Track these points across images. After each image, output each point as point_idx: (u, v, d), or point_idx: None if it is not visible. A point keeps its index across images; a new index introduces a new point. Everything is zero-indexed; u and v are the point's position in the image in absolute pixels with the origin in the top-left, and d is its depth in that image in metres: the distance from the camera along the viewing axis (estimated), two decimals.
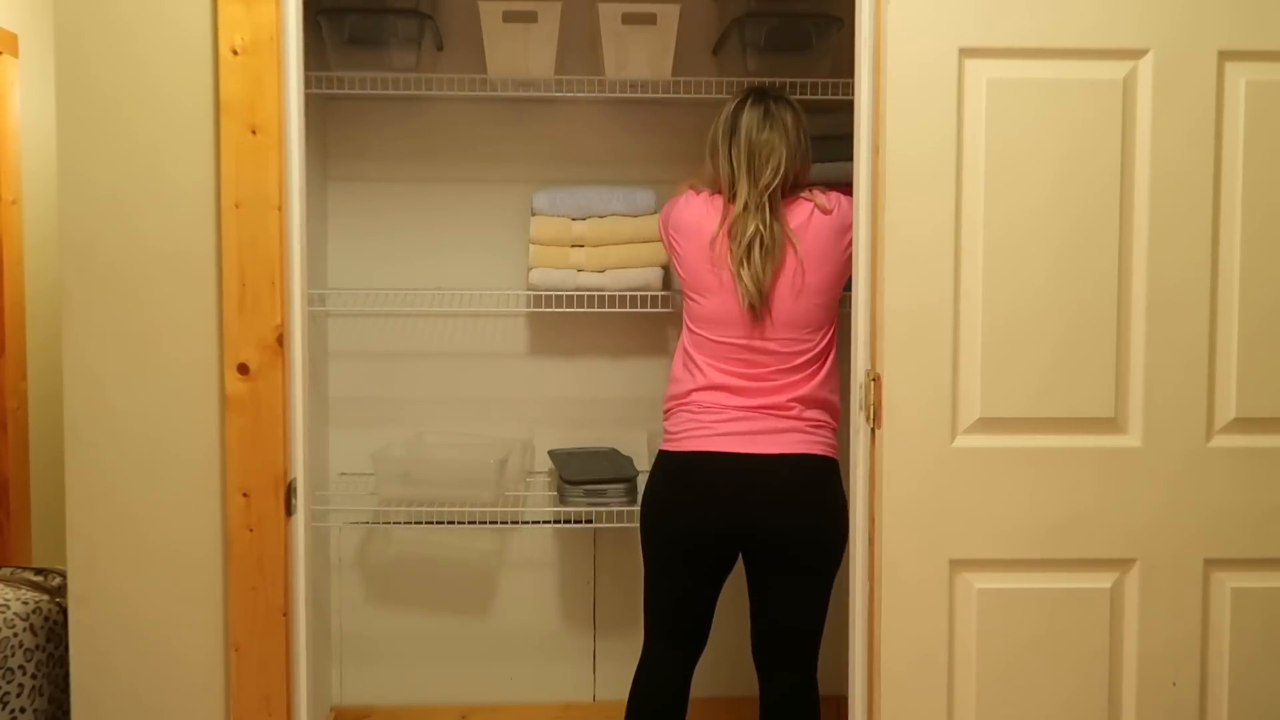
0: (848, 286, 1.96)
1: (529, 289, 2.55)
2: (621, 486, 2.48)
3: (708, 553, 2.08)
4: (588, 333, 2.70)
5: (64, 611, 2.12)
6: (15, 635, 2.03)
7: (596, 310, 2.52)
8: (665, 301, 2.52)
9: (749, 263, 2.01)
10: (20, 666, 2.03)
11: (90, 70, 1.81)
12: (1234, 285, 1.77)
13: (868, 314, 1.81)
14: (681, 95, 2.45)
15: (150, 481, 1.85)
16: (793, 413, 2.03)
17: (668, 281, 2.51)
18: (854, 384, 1.85)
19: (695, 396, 2.07)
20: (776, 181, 2.04)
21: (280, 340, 1.82)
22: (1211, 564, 1.79)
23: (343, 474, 2.71)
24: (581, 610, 2.78)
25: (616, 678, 2.71)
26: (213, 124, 1.81)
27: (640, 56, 2.44)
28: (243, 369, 1.81)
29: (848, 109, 2.31)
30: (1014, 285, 1.76)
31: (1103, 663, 1.80)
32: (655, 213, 2.51)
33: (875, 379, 1.78)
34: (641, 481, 2.39)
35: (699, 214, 2.10)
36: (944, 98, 1.74)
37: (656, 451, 2.14)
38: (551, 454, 2.64)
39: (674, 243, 2.14)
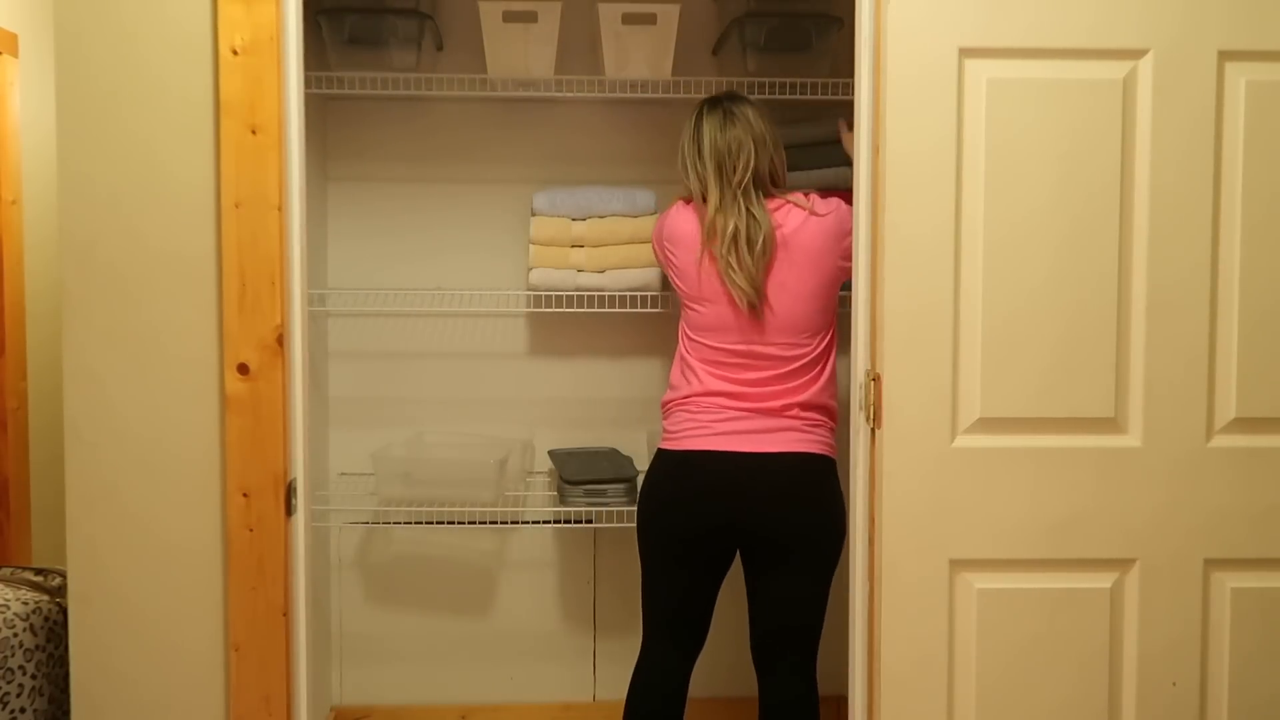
0: (846, 287, 1.96)
1: (529, 289, 2.55)
2: (621, 486, 2.48)
3: (704, 550, 2.08)
4: (587, 333, 2.70)
5: (64, 611, 2.12)
6: (15, 635, 2.03)
7: (596, 310, 2.52)
8: (665, 302, 2.52)
9: (737, 261, 2.02)
10: (20, 666, 2.03)
11: (90, 70, 1.81)
12: (1234, 285, 1.77)
13: (868, 314, 1.81)
14: (681, 95, 2.45)
15: (150, 481, 1.85)
16: (790, 413, 2.04)
17: (668, 282, 2.51)
18: (854, 384, 1.85)
19: (693, 399, 2.07)
20: (748, 176, 2.05)
21: (280, 340, 1.82)
22: (1211, 564, 1.79)
23: (343, 474, 2.71)
24: (581, 610, 2.78)
25: (616, 678, 2.71)
26: (213, 124, 1.81)
27: (640, 56, 2.44)
28: (243, 369, 1.81)
29: (837, 114, 2.34)
30: (1014, 285, 1.76)
31: (1103, 662, 1.80)
32: (655, 213, 2.51)
33: (875, 379, 1.78)
34: (640, 481, 2.39)
35: (690, 223, 2.10)
36: (944, 98, 1.74)
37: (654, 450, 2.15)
38: (551, 454, 2.64)
39: (669, 255, 2.14)
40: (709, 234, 2.06)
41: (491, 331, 2.72)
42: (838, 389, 2.13)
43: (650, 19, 2.40)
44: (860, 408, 1.82)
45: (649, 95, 2.47)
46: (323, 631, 2.67)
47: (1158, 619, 1.79)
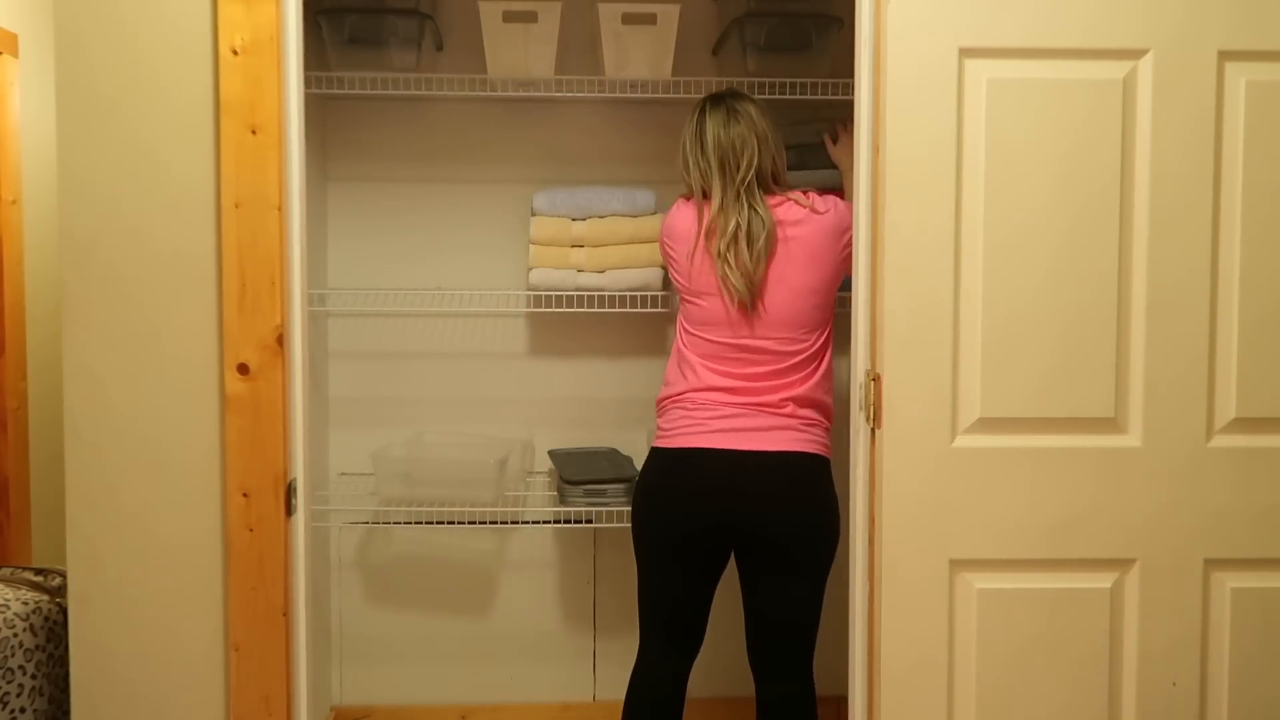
0: (845, 287, 1.96)
1: (529, 289, 2.55)
2: (621, 486, 2.48)
3: (699, 549, 2.08)
4: (587, 333, 2.70)
5: (64, 611, 2.12)
6: (15, 635, 2.03)
7: (596, 310, 2.52)
8: (665, 302, 2.52)
9: (735, 258, 2.02)
10: (20, 666, 2.03)
11: (90, 70, 1.81)
12: (1234, 285, 1.77)
13: (868, 314, 1.81)
14: (681, 95, 2.45)
15: (150, 481, 1.85)
16: (786, 411, 2.04)
17: (668, 282, 2.51)
18: (854, 384, 1.85)
19: (689, 395, 2.07)
20: (751, 174, 2.06)
21: (280, 340, 1.82)
22: (1211, 564, 1.79)
23: (343, 474, 2.71)
24: (581, 610, 2.78)
25: (616, 678, 2.71)
26: (213, 124, 1.81)
27: (640, 56, 2.44)
28: (243, 369, 1.81)
29: (838, 115, 2.34)
30: (1014, 285, 1.76)
31: (1103, 662, 1.80)
32: (655, 213, 2.51)
33: (875, 379, 1.78)
34: None
35: (690, 218, 2.11)
36: (944, 98, 1.74)
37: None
38: (551, 454, 2.64)
39: (669, 250, 2.15)
40: (709, 231, 2.06)
41: (491, 331, 2.72)
42: (834, 385, 2.13)
43: (650, 19, 2.40)
44: (860, 408, 1.82)
45: (649, 95, 2.47)
46: (323, 631, 2.67)
47: (1158, 619, 1.79)
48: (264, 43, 1.78)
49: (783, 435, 2.03)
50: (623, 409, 2.73)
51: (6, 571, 2.29)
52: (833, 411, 2.11)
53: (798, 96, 2.42)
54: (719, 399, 2.05)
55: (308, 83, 1.92)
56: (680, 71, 2.46)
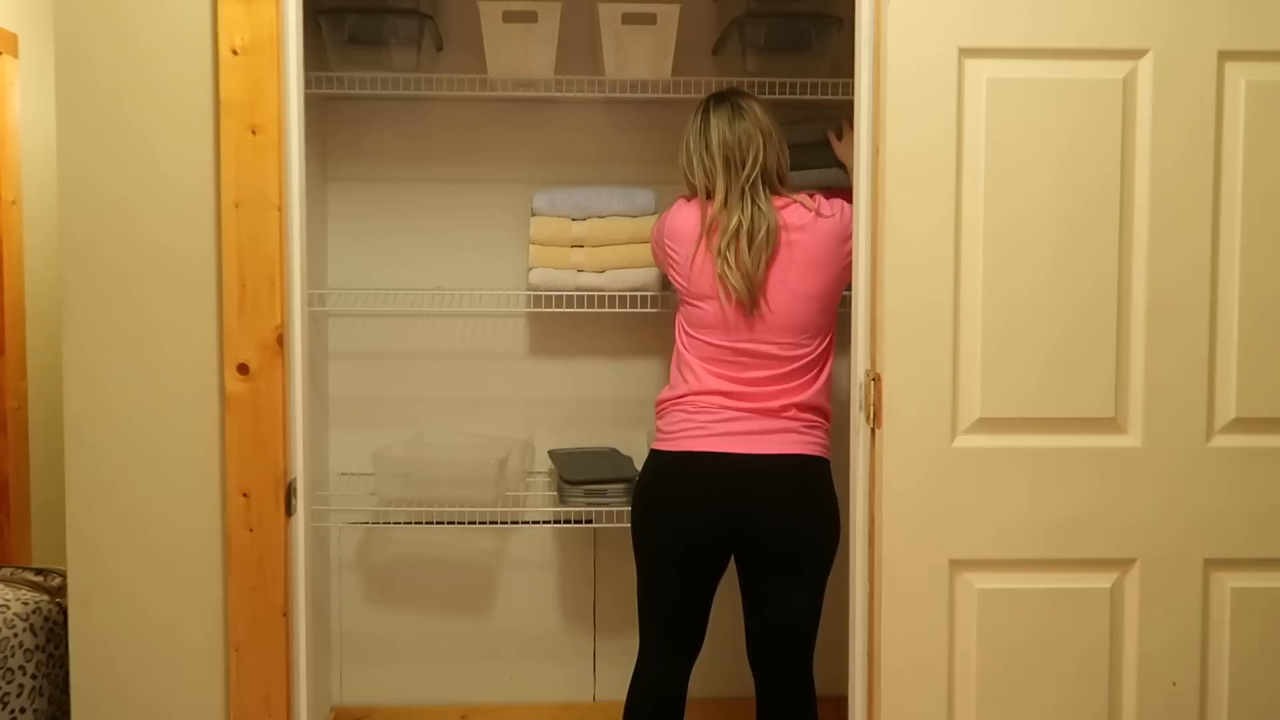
0: (847, 289, 1.96)
1: (529, 289, 2.55)
2: (621, 486, 2.48)
3: (700, 553, 2.07)
4: (587, 333, 2.70)
5: (64, 611, 2.12)
6: (15, 635, 2.03)
7: (596, 310, 2.52)
8: (664, 302, 2.52)
9: (735, 257, 2.01)
10: (20, 666, 2.03)
11: (90, 70, 1.81)
12: (1234, 285, 1.77)
13: (868, 314, 1.81)
14: (681, 95, 2.45)
15: (150, 481, 1.85)
16: (788, 414, 2.03)
17: (667, 282, 2.51)
18: (854, 384, 1.85)
19: (690, 398, 2.07)
20: (756, 171, 2.05)
21: (280, 340, 1.82)
22: (1211, 564, 1.79)
23: (343, 474, 2.71)
24: (581, 610, 2.78)
25: (616, 678, 2.71)
26: (213, 124, 1.81)
27: (640, 56, 2.44)
28: (243, 369, 1.81)
29: (840, 115, 2.34)
30: (1014, 285, 1.76)
31: (1103, 662, 1.80)
32: (655, 213, 2.51)
33: (875, 379, 1.78)
34: None
35: (692, 218, 2.10)
36: (944, 97, 1.74)
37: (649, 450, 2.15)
38: (551, 454, 2.64)
39: (670, 252, 2.13)
40: (710, 228, 2.05)
41: (491, 331, 2.72)
42: (833, 391, 2.13)
43: (650, 19, 2.40)
44: (860, 408, 1.82)
45: (649, 95, 2.47)
46: (323, 631, 2.67)
47: (1158, 619, 1.79)
48: (264, 43, 1.78)
49: (784, 438, 2.03)
50: (622, 409, 2.73)
51: (6, 571, 2.29)
52: (831, 414, 2.11)
53: (797, 96, 2.42)
54: (720, 402, 2.04)
55: (308, 83, 1.92)
56: (680, 71, 2.46)
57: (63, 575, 2.23)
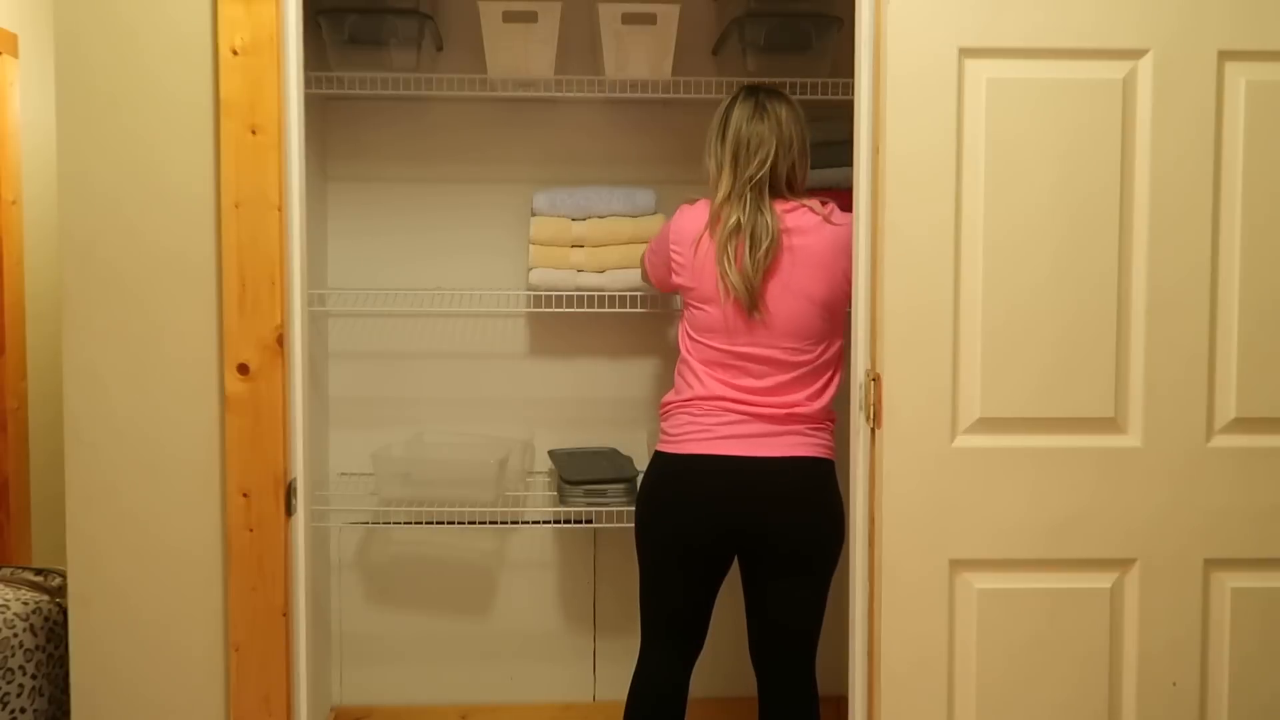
0: None
1: (529, 289, 2.55)
2: (621, 486, 2.48)
3: (704, 553, 2.07)
4: (587, 333, 2.70)
5: (64, 611, 2.12)
6: (15, 635, 2.03)
7: (596, 310, 2.52)
8: (665, 302, 2.52)
9: (734, 255, 2.00)
10: (20, 667, 2.03)
11: (90, 70, 1.81)
12: (1234, 285, 1.76)
13: (868, 314, 1.81)
14: (681, 95, 2.45)
15: (150, 481, 1.85)
16: (792, 419, 2.02)
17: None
18: (854, 384, 1.85)
19: (695, 402, 2.06)
20: (763, 173, 2.03)
21: (280, 340, 1.82)
22: (1211, 564, 1.79)
23: (343, 474, 2.71)
24: (581, 610, 2.78)
25: (616, 678, 2.71)
26: (213, 124, 1.81)
27: (640, 56, 2.44)
28: (243, 369, 1.81)
29: (848, 113, 2.33)
30: (1014, 285, 1.76)
31: (1103, 662, 1.80)
32: (655, 213, 2.51)
33: (875, 379, 1.78)
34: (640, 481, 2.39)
35: (698, 217, 2.09)
36: (944, 97, 1.74)
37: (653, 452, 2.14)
38: (551, 454, 2.64)
39: (674, 255, 2.11)
40: (713, 220, 2.04)
41: (491, 331, 2.72)
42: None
43: (650, 19, 2.40)
44: (860, 408, 1.82)
45: (649, 95, 2.47)
46: (323, 631, 2.67)
47: (1158, 619, 1.79)
48: (264, 43, 1.78)
49: (789, 440, 2.02)
50: (623, 409, 2.73)
51: (6, 571, 2.29)
52: (835, 417, 2.10)
53: (798, 96, 2.40)
54: (724, 406, 2.04)
55: (308, 83, 1.92)
56: (680, 71, 2.46)
57: (63, 575, 2.23)
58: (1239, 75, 1.74)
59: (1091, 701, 1.80)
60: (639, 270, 2.47)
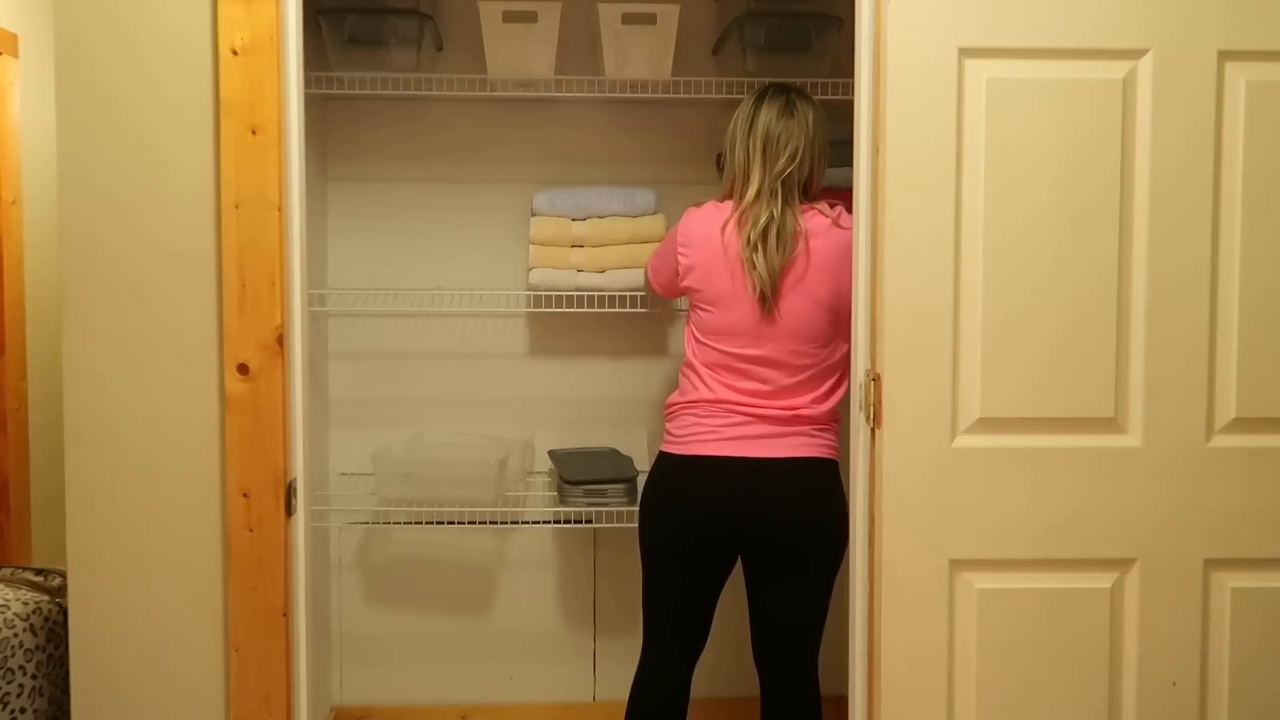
0: None
1: (529, 289, 2.55)
2: (621, 487, 2.48)
3: (708, 555, 2.07)
4: (587, 333, 2.70)
5: (64, 611, 2.12)
6: (15, 635, 2.03)
7: (596, 310, 2.52)
8: (665, 301, 2.51)
9: (763, 248, 1.99)
10: (20, 667, 2.03)
11: (90, 70, 1.81)
12: (1234, 285, 1.76)
13: (868, 314, 1.81)
14: (681, 95, 2.45)
15: (150, 481, 1.85)
16: (797, 421, 2.02)
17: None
18: (854, 384, 1.85)
19: (701, 403, 2.06)
20: (791, 169, 2.03)
21: (280, 340, 1.82)
22: (1211, 564, 1.79)
23: (343, 474, 2.71)
24: (581, 610, 2.78)
25: (616, 678, 2.71)
26: (213, 124, 1.81)
27: (640, 56, 2.44)
28: (243, 369, 1.81)
29: (848, 113, 2.32)
30: (1014, 285, 1.76)
31: (1103, 662, 1.80)
32: (655, 213, 2.51)
33: (875, 379, 1.78)
34: (641, 481, 2.39)
35: (707, 218, 2.08)
36: (944, 98, 1.74)
37: (657, 452, 2.14)
38: (551, 454, 2.64)
39: (682, 257, 2.09)
40: (740, 218, 2.03)
41: (491, 331, 2.72)
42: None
43: (650, 19, 2.40)
44: (860, 408, 1.82)
45: (649, 95, 2.47)
46: (323, 631, 2.67)
47: (1158, 619, 1.79)
48: (264, 43, 1.78)
49: (793, 441, 2.02)
50: (623, 409, 2.73)
51: (6, 571, 2.29)
52: (841, 418, 2.10)
53: None
54: (729, 408, 2.04)
55: (308, 83, 1.92)
56: (680, 71, 2.46)
57: (63, 575, 2.23)
58: (1239, 75, 1.74)
59: (1091, 701, 1.80)
60: (639, 270, 2.47)
